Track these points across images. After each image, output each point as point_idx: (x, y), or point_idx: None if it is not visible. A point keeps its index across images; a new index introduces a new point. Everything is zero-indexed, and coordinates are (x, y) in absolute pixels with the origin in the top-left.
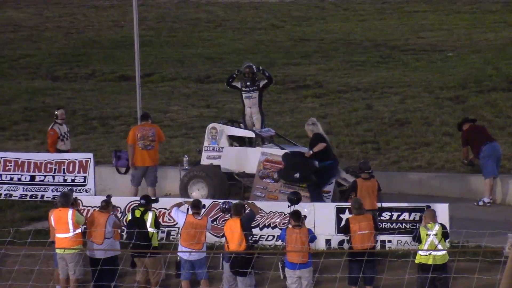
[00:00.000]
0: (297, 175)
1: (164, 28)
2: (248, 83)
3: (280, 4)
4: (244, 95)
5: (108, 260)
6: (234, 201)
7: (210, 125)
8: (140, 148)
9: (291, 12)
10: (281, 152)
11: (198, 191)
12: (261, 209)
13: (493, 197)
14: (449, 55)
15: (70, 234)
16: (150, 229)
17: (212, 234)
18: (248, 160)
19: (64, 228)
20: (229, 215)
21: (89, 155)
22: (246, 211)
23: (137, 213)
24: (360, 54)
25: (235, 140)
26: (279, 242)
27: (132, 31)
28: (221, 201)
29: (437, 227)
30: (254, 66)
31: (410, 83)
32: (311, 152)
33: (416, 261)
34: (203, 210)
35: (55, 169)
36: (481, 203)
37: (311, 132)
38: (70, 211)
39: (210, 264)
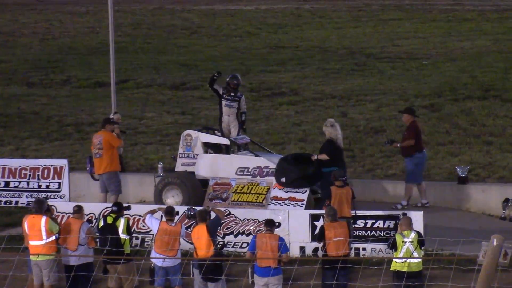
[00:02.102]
0: (283, 179)
1: (139, 34)
2: (232, 94)
3: (256, 12)
4: (224, 103)
5: (83, 267)
6: (198, 208)
7: (185, 132)
8: (93, 157)
9: (267, 19)
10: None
11: (172, 198)
12: (235, 216)
13: (429, 202)
14: (425, 63)
15: (43, 242)
16: (122, 236)
17: (186, 240)
18: (223, 167)
19: (37, 235)
20: (194, 221)
21: (64, 161)
22: (212, 217)
23: (109, 220)
24: (335, 62)
25: (210, 147)
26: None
27: (107, 38)
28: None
29: (413, 235)
30: (240, 78)
31: (386, 91)
32: (315, 156)
33: (392, 268)
34: (177, 217)
35: (29, 175)
36: (399, 206)
37: (328, 134)
38: (43, 219)
39: (184, 271)
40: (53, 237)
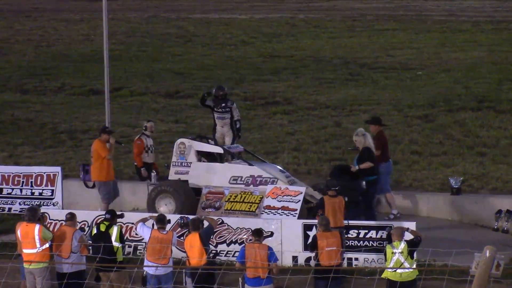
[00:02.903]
0: (345, 198)
1: (134, 42)
2: (223, 104)
3: (250, 21)
4: (216, 115)
5: (75, 275)
6: (191, 216)
7: (179, 140)
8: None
9: (261, 28)
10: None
11: (165, 206)
12: (228, 225)
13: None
14: (419, 73)
15: (37, 250)
16: (115, 243)
17: (178, 249)
18: (216, 176)
19: (30, 243)
20: (187, 230)
21: (57, 169)
22: (205, 226)
23: (102, 227)
24: (329, 72)
25: (203, 156)
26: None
27: (102, 45)
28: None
29: (402, 245)
30: (225, 88)
31: (379, 101)
32: (357, 167)
33: (383, 275)
34: (170, 225)
35: (22, 182)
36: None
37: (360, 144)
38: (37, 227)
39: (176, 279)
40: (47, 245)
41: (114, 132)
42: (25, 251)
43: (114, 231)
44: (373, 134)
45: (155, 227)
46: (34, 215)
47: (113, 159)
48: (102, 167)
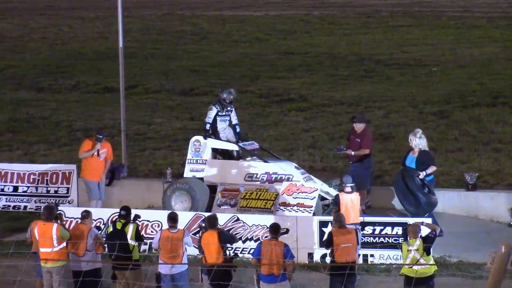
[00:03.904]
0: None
1: (148, 40)
2: (229, 108)
3: (265, 18)
4: (219, 119)
5: (91, 273)
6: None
7: (194, 138)
8: None
9: (276, 25)
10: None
11: (181, 204)
12: (244, 222)
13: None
14: (434, 70)
15: (55, 249)
16: (131, 242)
17: (195, 246)
18: (232, 173)
19: (48, 243)
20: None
21: (73, 167)
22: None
23: (118, 225)
24: (344, 68)
25: (218, 153)
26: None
27: (116, 43)
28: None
29: (418, 242)
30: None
31: (394, 98)
32: (424, 173)
33: (401, 272)
34: (185, 223)
35: (38, 180)
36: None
37: (416, 146)
38: (55, 226)
39: (192, 276)
40: (64, 244)
41: (101, 141)
42: (42, 250)
43: (130, 229)
44: (358, 131)
45: (167, 226)
46: (51, 214)
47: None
48: (84, 165)
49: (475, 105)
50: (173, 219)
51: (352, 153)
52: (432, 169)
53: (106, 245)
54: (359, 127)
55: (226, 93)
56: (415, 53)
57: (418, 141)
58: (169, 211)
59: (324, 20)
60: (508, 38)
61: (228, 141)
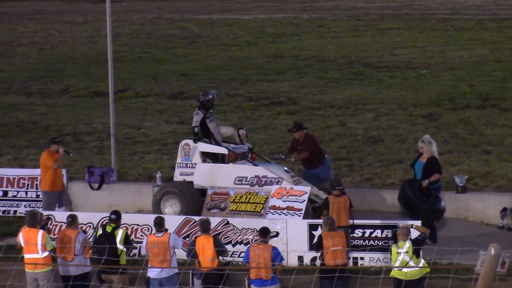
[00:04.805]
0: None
1: (138, 44)
2: (211, 110)
3: (254, 21)
4: (208, 121)
5: (81, 277)
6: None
7: (183, 142)
8: None
9: (265, 28)
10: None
11: (171, 207)
12: (234, 225)
13: None
14: (423, 72)
15: (39, 256)
16: (119, 246)
17: (184, 250)
18: (221, 176)
19: (33, 249)
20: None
21: (63, 171)
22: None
23: (108, 229)
24: (334, 71)
25: (208, 157)
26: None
27: (106, 47)
28: (195, 217)
29: (407, 245)
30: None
31: (384, 100)
32: (427, 181)
33: (390, 275)
34: (176, 226)
35: (28, 184)
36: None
37: (426, 152)
38: (40, 233)
39: (181, 280)
40: (47, 253)
41: (63, 143)
42: (27, 256)
43: (119, 233)
44: (300, 140)
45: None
46: (35, 219)
47: (61, 169)
48: (48, 177)
49: (464, 107)
50: (158, 223)
51: (292, 159)
52: (435, 177)
53: (93, 249)
54: (299, 135)
55: (211, 94)
56: (405, 55)
57: (429, 148)
58: (155, 216)
59: (313, 23)
60: (497, 40)
61: (218, 141)
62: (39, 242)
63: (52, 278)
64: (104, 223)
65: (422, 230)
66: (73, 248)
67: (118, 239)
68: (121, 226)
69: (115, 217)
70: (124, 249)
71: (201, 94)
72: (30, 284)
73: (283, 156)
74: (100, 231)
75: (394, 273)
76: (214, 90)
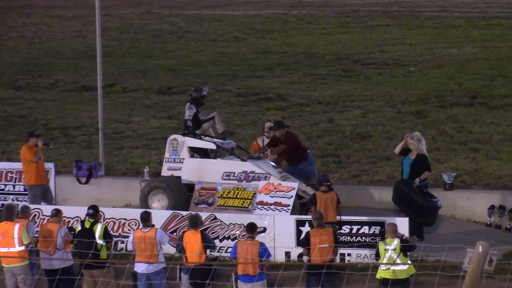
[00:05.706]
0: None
1: (126, 38)
2: (202, 106)
3: (243, 17)
4: (200, 115)
5: (65, 270)
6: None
7: (171, 137)
8: None
9: (254, 24)
10: (241, 164)
11: (158, 202)
12: (221, 221)
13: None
14: (412, 69)
15: (15, 249)
16: (99, 241)
17: (171, 245)
18: (209, 171)
19: (10, 242)
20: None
21: (50, 165)
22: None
23: (87, 224)
24: (322, 68)
25: (196, 152)
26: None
27: (94, 42)
28: (182, 212)
29: (395, 242)
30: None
31: (372, 97)
32: (418, 180)
33: (377, 276)
34: (164, 221)
35: (15, 178)
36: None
37: (415, 149)
38: (16, 226)
39: (169, 275)
40: (24, 247)
41: (41, 135)
42: (2, 250)
43: (98, 228)
44: (281, 138)
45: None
46: (11, 213)
47: (42, 162)
48: (31, 171)
49: (453, 105)
50: (144, 219)
51: (269, 154)
52: (426, 175)
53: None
54: (280, 133)
55: (204, 91)
56: (393, 52)
57: (418, 145)
58: (142, 211)
59: (302, 19)
60: (486, 38)
61: (213, 133)
62: (15, 235)
63: (29, 272)
64: (82, 219)
65: (411, 241)
66: (55, 242)
67: (97, 234)
68: (100, 221)
69: (93, 212)
70: (104, 243)
71: (194, 91)
72: (8, 280)
73: (261, 155)
74: (79, 227)
75: (382, 273)
76: (207, 87)
